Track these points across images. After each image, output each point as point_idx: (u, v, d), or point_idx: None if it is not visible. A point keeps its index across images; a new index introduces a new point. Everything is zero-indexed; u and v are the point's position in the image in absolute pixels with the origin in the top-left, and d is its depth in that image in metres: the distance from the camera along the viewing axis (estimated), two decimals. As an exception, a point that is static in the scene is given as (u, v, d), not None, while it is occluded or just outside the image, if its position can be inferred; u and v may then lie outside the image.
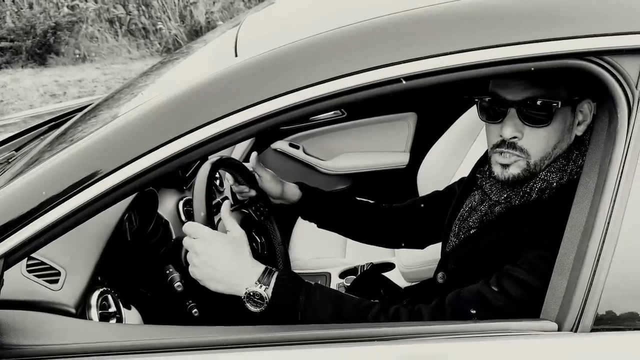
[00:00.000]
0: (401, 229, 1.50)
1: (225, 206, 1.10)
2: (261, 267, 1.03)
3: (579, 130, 1.10)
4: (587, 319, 0.88)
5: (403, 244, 1.56)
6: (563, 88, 1.04)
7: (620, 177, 0.87)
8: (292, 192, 1.42)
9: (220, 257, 1.02)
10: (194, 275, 1.04)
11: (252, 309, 1.01)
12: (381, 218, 1.49)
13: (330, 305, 1.03)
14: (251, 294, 1.00)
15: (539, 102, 1.02)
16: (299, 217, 2.34)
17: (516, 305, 1.01)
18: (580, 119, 1.09)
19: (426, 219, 1.47)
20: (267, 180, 1.40)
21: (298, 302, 1.01)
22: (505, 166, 1.09)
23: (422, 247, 1.55)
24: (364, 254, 2.09)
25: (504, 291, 1.01)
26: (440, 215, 1.38)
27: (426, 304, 1.06)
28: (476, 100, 1.12)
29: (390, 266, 2.07)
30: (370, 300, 1.07)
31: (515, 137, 1.06)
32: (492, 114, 1.09)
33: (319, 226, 1.50)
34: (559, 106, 1.02)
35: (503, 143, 1.08)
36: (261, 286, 1.00)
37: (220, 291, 1.02)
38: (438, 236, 1.40)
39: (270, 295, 1.00)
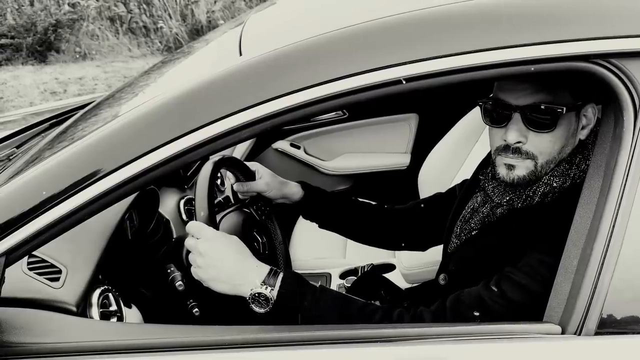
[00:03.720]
0: (403, 231, 1.50)
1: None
2: (266, 268, 1.03)
3: (583, 134, 1.09)
4: (591, 323, 0.88)
5: (404, 246, 1.56)
6: (568, 93, 1.03)
7: (626, 180, 0.86)
8: (294, 190, 1.42)
9: (225, 258, 1.01)
10: (197, 276, 1.03)
11: (257, 310, 1.01)
12: (383, 219, 1.49)
13: (335, 309, 1.03)
14: (256, 295, 1.00)
15: (543, 108, 1.02)
16: (300, 217, 2.34)
17: (515, 309, 1.01)
18: (584, 123, 1.08)
19: (428, 221, 1.47)
20: (266, 192, 1.38)
21: (303, 304, 1.01)
22: (511, 167, 1.08)
23: (423, 249, 1.55)
24: (365, 255, 2.08)
25: (504, 294, 1.01)
26: (442, 217, 1.37)
27: (427, 307, 1.06)
28: (480, 103, 1.11)
29: (390, 267, 2.06)
30: (374, 304, 1.07)
31: (519, 142, 1.06)
32: (496, 118, 1.08)
33: (320, 226, 1.50)
34: (564, 112, 1.02)
35: (507, 148, 1.07)
36: (266, 287, 1.00)
37: (224, 292, 1.02)
38: (439, 238, 1.40)
39: (275, 296, 1.00)
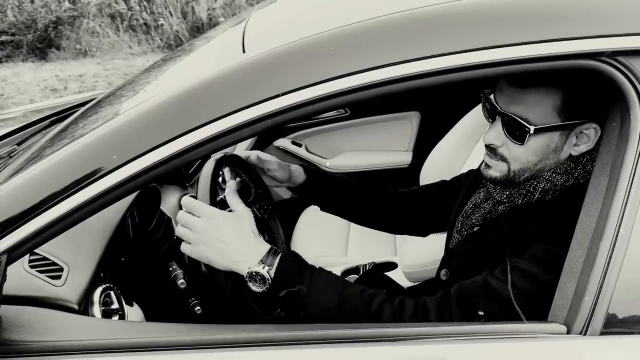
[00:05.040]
0: (405, 215, 1.49)
1: (231, 185, 1.08)
2: (266, 247, 1.02)
3: (576, 151, 1.05)
4: (597, 322, 0.88)
5: (405, 230, 1.55)
6: (554, 112, 1.00)
7: (632, 179, 0.86)
8: (298, 173, 1.42)
9: (224, 235, 1.00)
10: (186, 251, 1.03)
11: (254, 288, 1.00)
12: (385, 202, 1.48)
13: (333, 290, 1.01)
14: (253, 273, 0.99)
15: (514, 121, 1.02)
16: (302, 216, 2.34)
17: (525, 298, 0.98)
18: (582, 142, 1.04)
19: (430, 206, 1.46)
20: (275, 170, 1.38)
21: (301, 284, 1.00)
22: (487, 166, 1.11)
23: (424, 234, 1.54)
24: (366, 253, 2.08)
25: (512, 283, 0.99)
26: (445, 203, 1.37)
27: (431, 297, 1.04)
28: (481, 94, 1.12)
29: (392, 266, 2.06)
30: (374, 290, 1.05)
31: (493, 144, 1.07)
32: (487, 115, 1.10)
33: (322, 209, 1.48)
34: (531, 132, 1.00)
35: (487, 145, 1.09)
36: (264, 267, 0.99)
37: (221, 267, 1.01)
38: (441, 225, 1.39)
39: (272, 276, 0.99)
